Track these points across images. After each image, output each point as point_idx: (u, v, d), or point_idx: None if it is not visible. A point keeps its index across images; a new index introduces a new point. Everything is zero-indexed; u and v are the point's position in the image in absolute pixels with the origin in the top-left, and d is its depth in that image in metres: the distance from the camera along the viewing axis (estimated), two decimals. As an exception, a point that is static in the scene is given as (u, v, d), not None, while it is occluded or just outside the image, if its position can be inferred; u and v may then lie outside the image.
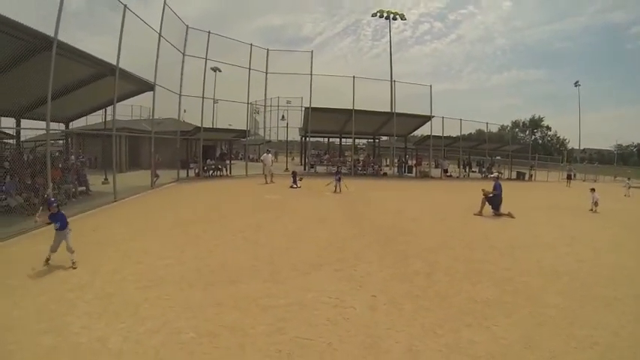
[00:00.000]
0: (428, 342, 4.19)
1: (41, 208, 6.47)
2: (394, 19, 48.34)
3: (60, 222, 6.21)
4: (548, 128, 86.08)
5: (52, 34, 9.34)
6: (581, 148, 76.44)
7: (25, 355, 3.70)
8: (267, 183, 20.29)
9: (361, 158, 33.47)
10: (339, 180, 17.78)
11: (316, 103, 25.96)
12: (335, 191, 17.45)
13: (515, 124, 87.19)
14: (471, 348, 4.10)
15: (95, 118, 22.65)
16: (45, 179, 11.17)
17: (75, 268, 6.11)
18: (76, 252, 6.30)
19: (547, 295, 5.78)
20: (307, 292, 5.51)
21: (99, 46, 14.80)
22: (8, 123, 14.87)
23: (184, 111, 21.62)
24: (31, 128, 16.52)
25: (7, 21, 8.24)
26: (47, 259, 6.17)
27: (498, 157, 39.84)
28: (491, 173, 15.96)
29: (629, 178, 27.47)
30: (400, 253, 7.83)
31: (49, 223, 6.35)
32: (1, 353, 3.70)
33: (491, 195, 12.98)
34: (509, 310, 5.17)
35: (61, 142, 24.38)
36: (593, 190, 15.95)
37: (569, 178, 32.64)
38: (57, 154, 18.98)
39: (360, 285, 5.91)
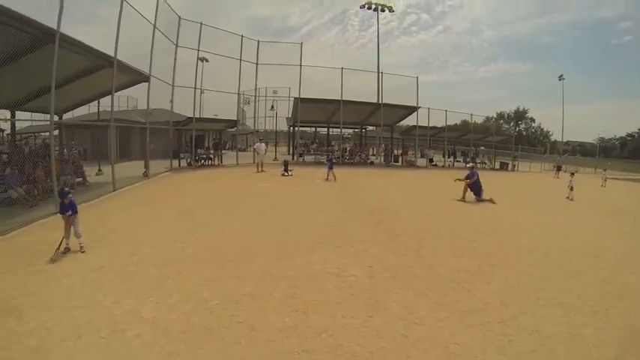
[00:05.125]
0: (420, 301, 4.96)
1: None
2: (382, 10, 48.54)
3: (72, 209, 6.53)
4: (533, 120, 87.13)
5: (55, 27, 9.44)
6: (565, 140, 78.06)
7: (65, 329, 4.00)
8: (258, 172, 20.64)
9: (348, 147, 34.10)
10: (331, 168, 18.30)
11: (304, 94, 26.39)
12: (327, 179, 17.95)
13: (500, 115, 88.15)
14: (456, 305, 4.89)
15: (82, 110, 22.66)
16: (44, 171, 11.50)
17: (83, 252, 6.46)
18: (89, 238, 6.75)
19: (521, 266, 6.58)
20: (313, 265, 6.21)
21: (85, 37, 14.92)
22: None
23: (170, 101, 21.84)
24: (26, 120, 16.62)
25: (13, 14, 8.36)
26: (66, 247, 6.46)
27: (482, 148, 40.85)
28: (468, 164, 17.02)
29: (604, 170, 28.90)
30: (391, 232, 8.57)
31: (68, 218, 6.54)
32: (42, 330, 3.98)
33: (468, 182, 13.77)
34: (487, 277, 5.97)
35: (44, 134, 24.31)
36: (572, 174, 17.62)
37: (558, 169, 33.12)
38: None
39: (358, 259, 6.64)
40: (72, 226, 6.55)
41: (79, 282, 5.24)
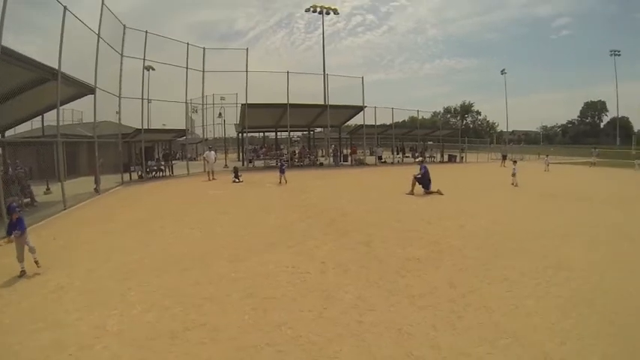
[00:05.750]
0: (372, 290, 5.36)
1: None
2: (327, 13, 49.18)
3: (20, 226, 6.26)
4: (478, 113, 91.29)
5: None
6: (510, 130, 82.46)
7: (31, 351, 3.93)
8: (209, 180, 20.73)
9: (297, 150, 34.52)
10: (283, 172, 18.88)
11: (252, 99, 26.69)
12: (280, 183, 18.44)
13: (447, 110, 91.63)
14: (407, 290, 5.34)
15: (25, 126, 21.65)
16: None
17: (39, 266, 6.25)
18: (44, 259, 6.48)
19: (467, 250, 7.18)
20: (267, 265, 6.52)
21: (25, 46, 14.30)
22: None
23: (117, 113, 21.31)
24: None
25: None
26: (22, 271, 6.16)
27: (430, 142, 42.43)
28: (417, 159, 18.34)
29: (547, 155, 31.07)
30: (341, 229, 9.01)
31: (9, 240, 6.40)
32: (9, 355, 3.88)
33: (419, 176, 14.48)
34: (435, 263, 6.50)
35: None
36: (515, 162, 19.29)
37: (504, 158, 34.83)
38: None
39: (311, 256, 7.01)
40: (24, 246, 6.28)
41: (40, 304, 5.14)
